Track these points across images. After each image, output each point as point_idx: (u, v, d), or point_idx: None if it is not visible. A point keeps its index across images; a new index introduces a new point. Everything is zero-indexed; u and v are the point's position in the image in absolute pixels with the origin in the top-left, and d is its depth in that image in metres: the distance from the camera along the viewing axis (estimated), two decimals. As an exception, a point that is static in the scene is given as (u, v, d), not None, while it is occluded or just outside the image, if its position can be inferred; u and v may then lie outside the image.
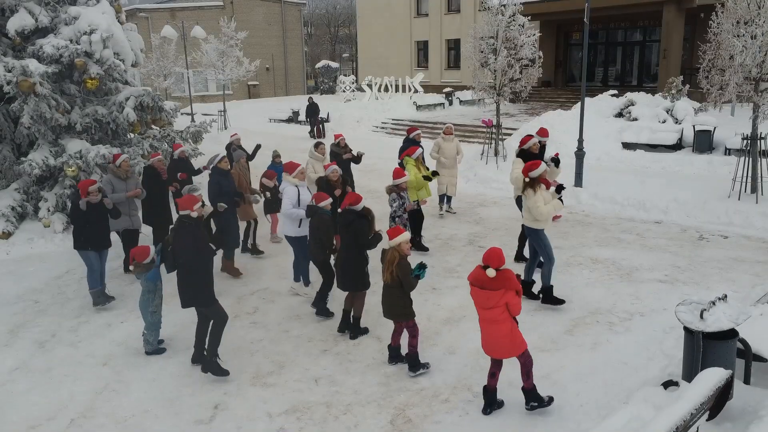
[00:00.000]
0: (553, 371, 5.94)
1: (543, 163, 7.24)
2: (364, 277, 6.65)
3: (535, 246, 7.46)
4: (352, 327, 6.80)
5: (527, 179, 7.05)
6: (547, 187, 7.29)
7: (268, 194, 10.04)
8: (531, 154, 8.42)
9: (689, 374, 4.81)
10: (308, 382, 5.97)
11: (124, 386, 6.03)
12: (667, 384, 4.90)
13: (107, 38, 11.35)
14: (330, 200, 7.15)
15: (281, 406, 5.59)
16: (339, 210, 7.06)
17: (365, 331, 6.86)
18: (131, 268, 6.60)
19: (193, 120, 23.02)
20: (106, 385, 6.05)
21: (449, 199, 11.75)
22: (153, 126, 13.12)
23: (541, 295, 7.44)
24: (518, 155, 8.67)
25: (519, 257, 8.76)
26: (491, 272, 4.92)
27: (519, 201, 8.41)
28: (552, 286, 7.41)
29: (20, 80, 10.15)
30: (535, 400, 5.23)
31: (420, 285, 8.23)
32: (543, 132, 9.36)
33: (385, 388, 5.80)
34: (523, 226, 7.84)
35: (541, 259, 7.44)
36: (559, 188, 7.38)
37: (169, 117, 13.16)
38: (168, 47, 27.86)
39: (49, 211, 10.78)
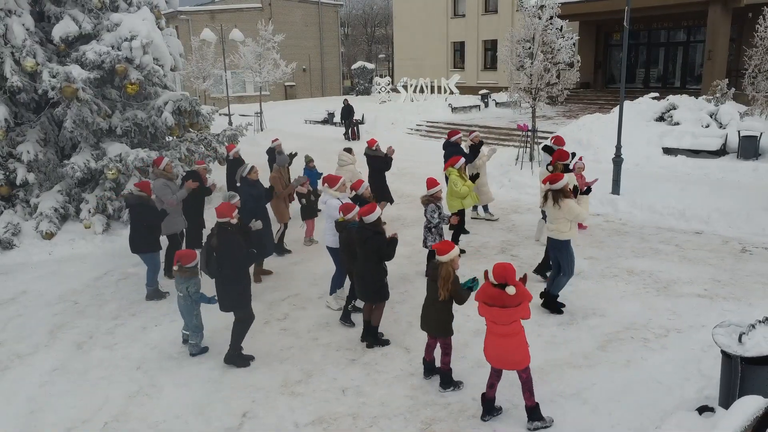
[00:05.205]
0: (584, 389, 5.81)
1: (566, 175, 7.19)
2: (383, 289, 6.66)
3: (558, 258, 7.36)
4: (369, 336, 6.83)
5: (549, 191, 7.01)
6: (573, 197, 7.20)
7: (303, 201, 10.15)
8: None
9: (726, 400, 4.64)
10: (335, 392, 5.99)
11: (156, 390, 6.15)
12: (702, 409, 4.75)
13: (147, 44, 11.59)
14: (357, 210, 7.07)
15: (308, 416, 5.61)
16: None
17: (385, 342, 6.83)
18: (174, 269, 6.66)
19: (230, 122, 23.42)
20: (140, 389, 6.19)
21: (486, 207, 11.62)
22: (190, 129, 13.36)
23: (542, 299, 7.47)
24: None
25: (539, 269, 8.49)
26: (512, 290, 4.84)
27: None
28: (557, 296, 7.45)
29: (64, 86, 10.45)
30: (537, 419, 5.19)
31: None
32: (559, 141, 9.19)
33: (412, 402, 5.77)
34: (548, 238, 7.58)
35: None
36: (587, 191, 7.55)
37: (206, 121, 13.38)
38: (207, 50, 28.42)
39: (90, 212, 11.09)
